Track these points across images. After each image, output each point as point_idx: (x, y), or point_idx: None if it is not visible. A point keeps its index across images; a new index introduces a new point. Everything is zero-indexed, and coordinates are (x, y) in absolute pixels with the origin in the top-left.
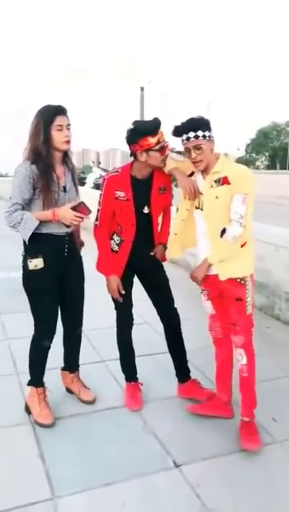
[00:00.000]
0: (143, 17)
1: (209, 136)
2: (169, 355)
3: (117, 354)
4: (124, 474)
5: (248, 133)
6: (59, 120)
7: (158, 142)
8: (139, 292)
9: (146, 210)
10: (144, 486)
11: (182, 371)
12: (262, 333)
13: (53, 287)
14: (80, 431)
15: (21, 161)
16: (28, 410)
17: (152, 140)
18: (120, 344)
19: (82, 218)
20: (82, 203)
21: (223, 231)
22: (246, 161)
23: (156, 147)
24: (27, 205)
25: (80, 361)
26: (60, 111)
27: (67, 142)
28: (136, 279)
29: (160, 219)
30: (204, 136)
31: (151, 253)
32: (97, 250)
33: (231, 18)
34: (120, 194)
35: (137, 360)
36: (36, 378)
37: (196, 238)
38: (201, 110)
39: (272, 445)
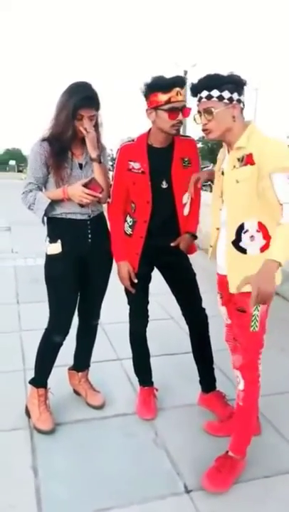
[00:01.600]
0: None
1: (230, 99)
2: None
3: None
4: (125, 498)
5: None
6: (83, 111)
7: (169, 101)
8: (163, 283)
9: (164, 184)
10: None
11: (207, 380)
12: None
13: (70, 275)
14: (82, 440)
15: (39, 140)
16: (28, 413)
17: (162, 97)
18: (132, 344)
19: (93, 196)
20: (93, 179)
21: (241, 228)
22: None
23: (165, 106)
24: (43, 185)
25: (94, 358)
26: (86, 101)
27: (86, 131)
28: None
29: (186, 199)
30: (220, 98)
31: (173, 244)
32: (110, 232)
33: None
34: (135, 165)
35: (158, 360)
36: (39, 378)
37: None
38: (248, 97)
39: None
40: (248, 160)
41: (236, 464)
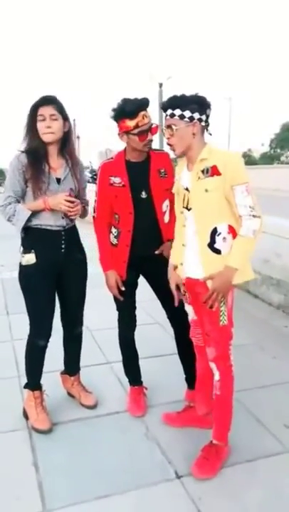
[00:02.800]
0: (159, 11)
1: (191, 118)
2: (177, 357)
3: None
4: (121, 486)
5: (272, 128)
6: (42, 110)
7: (136, 126)
8: (149, 291)
9: (144, 194)
10: (142, 498)
11: (191, 378)
12: (279, 333)
13: (46, 285)
14: (79, 437)
15: (18, 153)
16: (25, 415)
17: (130, 123)
18: (122, 347)
19: (73, 202)
20: (71, 190)
21: (214, 231)
22: (271, 157)
23: (135, 131)
24: (21, 198)
25: (84, 362)
26: (43, 101)
27: (50, 133)
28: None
29: (165, 207)
30: (182, 116)
31: (157, 252)
32: (96, 244)
33: (254, 10)
34: (115, 180)
35: (145, 362)
36: (33, 381)
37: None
38: (222, 105)
39: (282, 455)
40: (213, 171)
41: (221, 450)
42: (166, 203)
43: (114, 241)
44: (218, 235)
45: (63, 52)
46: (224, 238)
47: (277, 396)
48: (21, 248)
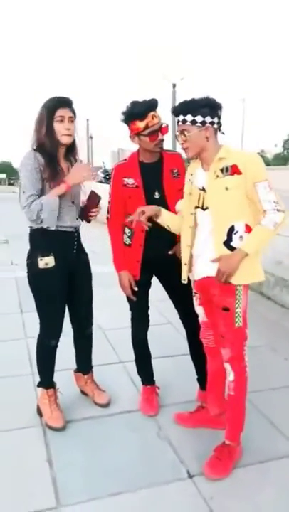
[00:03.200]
0: (174, 11)
1: (203, 122)
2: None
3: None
4: (134, 483)
5: (286, 129)
6: (60, 112)
7: (147, 127)
8: (162, 291)
9: (157, 195)
10: (154, 496)
11: (203, 378)
12: None
13: (63, 287)
14: (92, 435)
15: (26, 152)
16: (39, 412)
17: (140, 124)
18: (135, 346)
19: (93, 175)
20: (92, 192)
21: (232, 229)
22: (284, 158)
23: (145, 132)
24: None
25: (97, 362)
26: (63, 102)
27: (68, 135)
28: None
29: (178, 207)
30: (194, 122)
31: (170, 252)
32: (110, 244)
33: (268, 11)
34: (129, 181)
35: (158, 362)
36: (45, 379)
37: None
38: (236, 107)
39: None
40: (234, 170)
41: (233, 450)
42: (180, 202)
43: (128, 241)
44: (236, 233)
45: (78, 51)
46: (241, 237)
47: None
48: (34, 251)
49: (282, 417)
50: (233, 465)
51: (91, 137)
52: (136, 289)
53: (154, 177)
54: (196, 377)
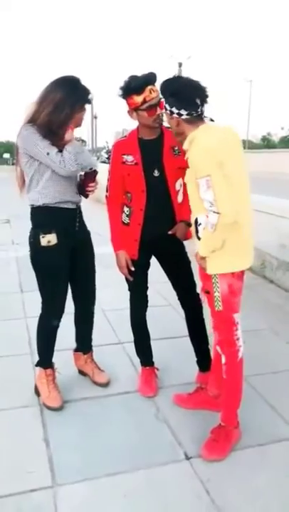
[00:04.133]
0: None
1: (170, 111)
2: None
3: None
4: (131, 464)
5: None
6: (84, 107)
7: (144, 101)
8: (162, 272)
9: (156, 173)
10: (151, 477)
11: (203, 360)
12: None
13: (65, 265)
14: (90, 415)
15: (25, 126)
16: (37, 392)
17: (138, 99)
18: (133, 327)
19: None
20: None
21: (196, 221)
22: None
23: (143, 106)
24: (40, 175)
25: (97, 342)
26: (89, 100)
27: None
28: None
29: (179, 186)
30: (165, 108)
31: (170, 232)
32: (108, 223)
33: None
34: (128, 158)
35: (157, 343)
36: (44, 359)
37: None
38: (242, 87)
39: None
40: (187, 163)
41: (230, 433)
42: (180, 181)
43: (126, 220)
44: (199, 225)
45: (82, 28)
46: (204, 229)
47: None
48: (36, 228)
49: (282, 401)
50: (231, 447)
51: (95, 117)
52: (133, 269)
53: (154, 154)
54: (196, 359)
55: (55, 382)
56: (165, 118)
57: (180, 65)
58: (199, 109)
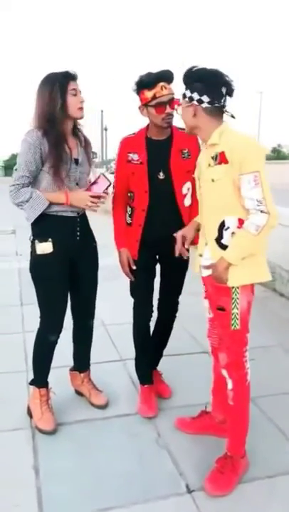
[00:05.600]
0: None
1: (190, 98)
2: (195, 357)
3: None
4: (127, 498)
5: None
6: (73, 85)
7: (154, 97)
8: None
9: (161, 175)
10: None
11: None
12: None
13: (61, 275)
14: (85, 440)
15: (28, 130)
16: (29, 413)
17: (148, 94)
18: (135, 336)
19: (99, 198)
20: (101, 175)
21: (222, 225)
22: None
23: (152, 102)
24: (34, 178)
25: (97, 359)
26: (73, 76)
27: (81, 109)
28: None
29: (186, 190)
30: (184, 95)
31: (174, 234)
32: (113, 220)
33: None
34: (134, 157)
35: (162, 361)
36: (39, 378)
37: None
38: (253, 99)
39: None
40: (221, 159)
41: (237, 463)
42: (188, 185)
43: (128, 220)
44: (226, 229)
45: (92, 40)
46: (233, 233)
47: None
48: (32, 236)
49: None
50: (238, 480)
51: (106, 129)
52: (134, 267)
53: (161, 155)
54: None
55: (50, 404)
56: (179, 111)
57: None
58: (222, 100)
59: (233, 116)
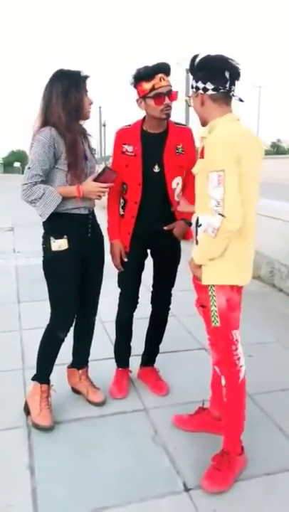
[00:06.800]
0: None
1: (196, 88)
2: (192, 353)
3: (136, 351)
4: (123, 497)
5: None
6: (86, 85)
7: (153, 88)
8: None
9: (156, 168)
10: None
11: (149, 356)
12: None
13: (75, 271)
14: (81, 439)
15: (43, 128)
16: (26, 410)
17: (146, 86)
18: (117, 325)
19: (107, 188)
20: (106, 169)
21: (196, 222)
22: None
23: (151, 94)
24: (47, 176)
25: (94, 356)
26: (87, 76)
27: (90, 110)
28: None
29: (175, 184)
30: (192, 86)
31: (166, 228)
32: (107, 212)
33: None
34: (128, 148)
35: (159, 358)
36: (43, 374)
37: None
38: (252, 93)
39: None
40: (201, 153)
41: (234, 460)
42: (177, 180)
43: (121, 211)
44: (199, 226)
45: (90, 37)
46: (205, 231)
47: None
48: (48, 233)
49: None
50: (235, 477)
51: (104, 125)
52: (125, 259)
53: (155, 149)
54: (142, 354)
55: (49, 401)
56: (191, 104)
57: (187, 71)
58: (227, 85)
59: (241, 100)
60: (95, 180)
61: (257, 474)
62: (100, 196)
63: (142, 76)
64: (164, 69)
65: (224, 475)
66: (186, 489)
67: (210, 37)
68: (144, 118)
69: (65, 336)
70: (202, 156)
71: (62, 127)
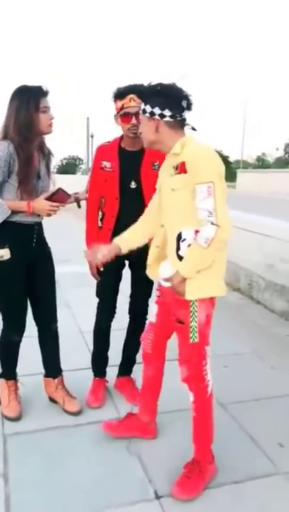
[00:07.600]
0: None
1: (151, 113)
2: (169, 364)
3: (115, 361)
4: (95, 504)
5: (287, 133)
6: (44, 102)
7: (122, 107)
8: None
9: (133, 184)
10: None
11: (127, 366)
12: (280, 342)
13: (18, 275)
14: (55, 447)
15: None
16: None
17: (119, 104)
18: (95, 334)
19: (58, 207)
20: (60, 190)
21: (179, 236)
22: (285, 161)
23: (121, 112)
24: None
25: (72, 365)
26: (46, 92)
27: (51, 125)
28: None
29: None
30: (144, 111)
31: None
32: (86, 223)
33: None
34: (107, 164)
35: (139, 368)
36: (7, 372)
37: None
38: (238, 107)
39: (273, 477)
40: (181, 168)
41: (205, 469)
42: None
43: (99, 224)
44: (183, 240)
45: (78, 46)
46: (189, 245)
47: (274, 410)
48: None
49: (263, 432)
50: (205, 485)
51: (92, 136)
52: (101, 269)
53: (132, 166)
54: (119, 364)
55: (17, 393)
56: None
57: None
58: (183, 114)
59: (194, 129)
60: (48, 199)
61: (226, 482)
62: (49, 214)
63: (116, 94)
64: (136, 90)
65: (194, 483)
66: (157, 497)
67: (197, 51)
68: (122, 136)
69: (20, 337)
70: (182, 171)
71: (16, 144)
